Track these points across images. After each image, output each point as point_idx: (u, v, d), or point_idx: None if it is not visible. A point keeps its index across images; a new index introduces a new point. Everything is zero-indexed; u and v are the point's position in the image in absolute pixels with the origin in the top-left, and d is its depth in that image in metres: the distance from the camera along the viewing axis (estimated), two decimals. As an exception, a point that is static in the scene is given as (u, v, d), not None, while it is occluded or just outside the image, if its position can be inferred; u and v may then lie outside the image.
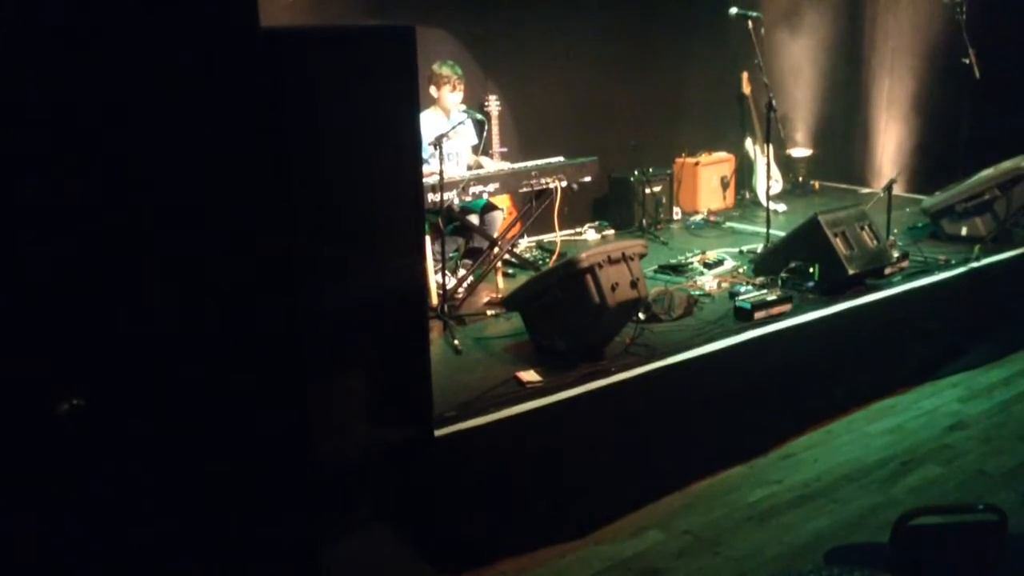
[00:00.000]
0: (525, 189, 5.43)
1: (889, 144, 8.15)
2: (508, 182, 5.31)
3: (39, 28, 2.15)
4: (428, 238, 4.81)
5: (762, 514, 3.96)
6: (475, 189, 5.13)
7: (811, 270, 5.09)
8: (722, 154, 7.55)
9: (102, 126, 2.26)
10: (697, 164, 7.36)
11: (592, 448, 3.96)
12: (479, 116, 5.51)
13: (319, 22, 5.59)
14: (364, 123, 2.79)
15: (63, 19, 2.17)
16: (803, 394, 4.73)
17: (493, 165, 5.66)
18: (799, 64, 8.20)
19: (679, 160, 7.39)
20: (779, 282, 5.12)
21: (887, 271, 5.32)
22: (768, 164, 6.65)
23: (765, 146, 6.53)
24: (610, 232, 6.81)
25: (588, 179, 5.63)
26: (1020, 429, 4.64)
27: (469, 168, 5.67)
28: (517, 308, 4.49)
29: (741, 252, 6.06)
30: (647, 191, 6.82)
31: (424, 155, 4.43)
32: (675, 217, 7.12)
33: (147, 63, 2.30)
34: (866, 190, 7.97)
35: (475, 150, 5.85)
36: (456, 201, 5.04)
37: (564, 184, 5.47)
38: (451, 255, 5.50)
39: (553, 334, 4.27)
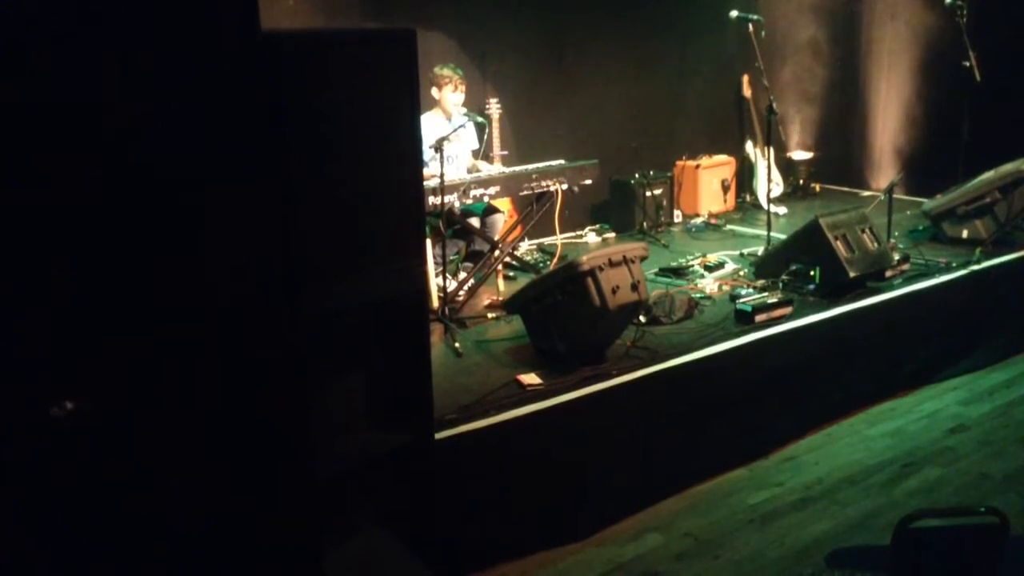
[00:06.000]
0: (526, 192, 5.43)
1: (889, 147, 8.15)
2: (509, 185, 5.31)
3: (38, 31, 2.16)
4: (429, 241, 4.81)
5: (763, 517, 3.96)
6: (476, 192, 5.13)
7: (812, 273, 5.09)
8: (723, 157, 7.55)
9: (102, 127, 2.26)
10: (698, 167, 7.36)
11: (592, 451, 3.96)
12: (480, 119, 5.51)
13: (320, 25, 5.60)
14: (365, 126, 2.79)
15: (62, 21, 2.18)
16: (804, 397, 4.73)
17: (493, 169, 5.66)
18: (799, 66, 8.20)
19: (680, 163, 7.39)
20: (780, 285, 5.12)
21: (888, 274, 5.32)
22: (769, 167, 6.65)
23: (766, 149, 6.54)
24: (611, 235, 6.81)
25: (589, 182, 5.64)
26: (1021, 432, 4.64)
27: (469, 172, 5.66)
28: (518, 311, 4.49)
29: (742, 255, 6.06)
30: (648, 194, 6.82)
31: (425, 158, 4.43)
32: (676, 220, 7.12)
33: (147, 66, 2.30)
34: (867, 193, 7.97)
35: (476, 154, 5.85)
36: (457, 204, 5.04)
37: (565, 187, 5.47)
38: (452, 258, 5.49)
39: (554, 337, 4.26)
